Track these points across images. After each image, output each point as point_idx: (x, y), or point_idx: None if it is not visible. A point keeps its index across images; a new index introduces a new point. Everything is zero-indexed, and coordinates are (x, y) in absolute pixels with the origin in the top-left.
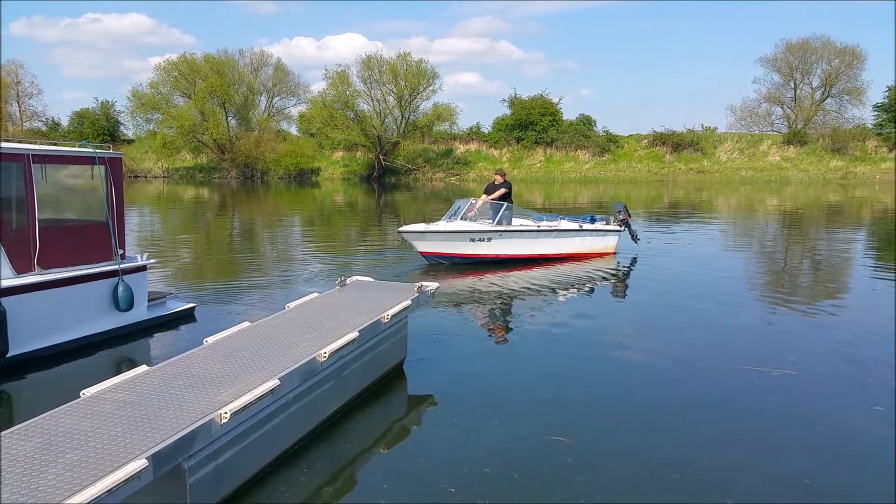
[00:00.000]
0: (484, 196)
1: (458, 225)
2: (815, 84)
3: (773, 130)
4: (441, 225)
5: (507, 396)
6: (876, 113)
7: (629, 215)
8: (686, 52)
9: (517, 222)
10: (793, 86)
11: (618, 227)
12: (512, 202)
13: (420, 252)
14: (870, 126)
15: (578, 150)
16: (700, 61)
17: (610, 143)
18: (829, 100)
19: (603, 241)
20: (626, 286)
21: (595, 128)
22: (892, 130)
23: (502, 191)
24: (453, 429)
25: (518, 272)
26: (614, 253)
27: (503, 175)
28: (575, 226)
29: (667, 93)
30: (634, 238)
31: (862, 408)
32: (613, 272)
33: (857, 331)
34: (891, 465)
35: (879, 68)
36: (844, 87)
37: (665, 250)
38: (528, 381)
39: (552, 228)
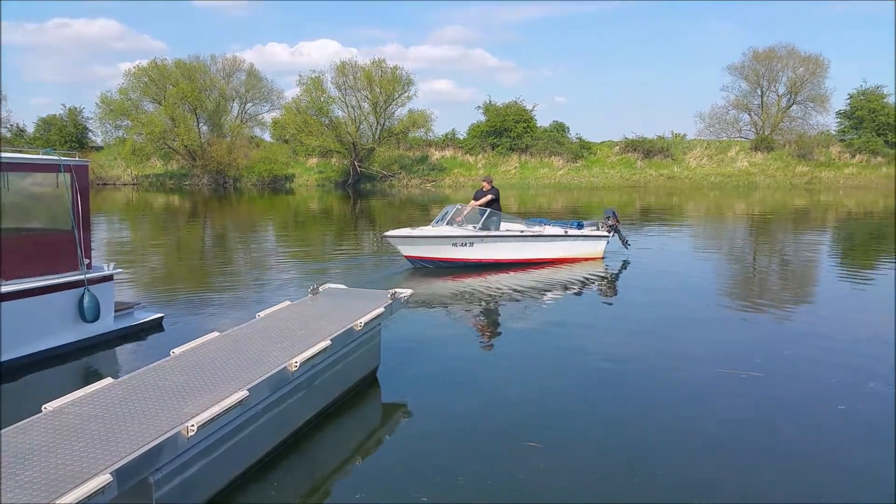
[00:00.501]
0: (473, 202)
1: (441, 230)
2: (780, 91)
3: (740, 137)
4: (425, 230)
5: (481, 403)
6: (839, 120)
7: (618, 221)
8: (659, 59)
9: (509, 228)
10: (759, 93)
11: (605, 233)
12: (500, 208)
13: (405, 256)
14: (833, 132)
15: (552, 157)
16: (672, 69)
17: (583, 150)
18: (794, 107)
19: (590, 246)
20: (607, 291)
21: (568, 134)
22: (855, 137)
23: (489, 197)
24: (427, 437)
25: (498, 277)
26: (602, 258)
27: (490, 182)
28: (560, 231)
29: (638, 100)
30: (625, 243)
31: (827, 408)
32: (596, 277)
33: (822, 333)
34: (852, 466)
35: (841, 77)
36: (809, 95)
37: (640, 256)
38: (502, 387)
39: (537, 234)
